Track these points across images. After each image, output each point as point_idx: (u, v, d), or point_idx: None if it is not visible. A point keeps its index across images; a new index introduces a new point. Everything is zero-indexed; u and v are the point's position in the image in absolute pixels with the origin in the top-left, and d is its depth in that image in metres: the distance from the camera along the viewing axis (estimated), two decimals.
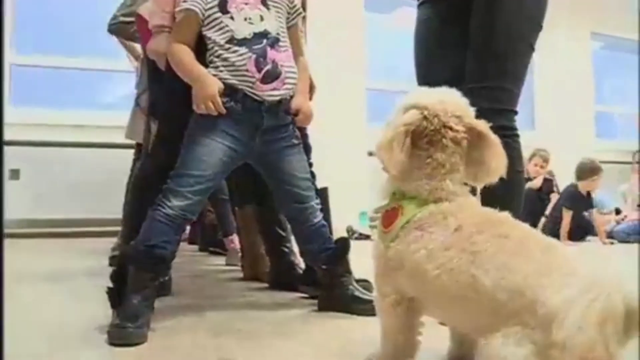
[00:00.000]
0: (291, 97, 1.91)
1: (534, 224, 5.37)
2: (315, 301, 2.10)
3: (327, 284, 2.03)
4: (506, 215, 1.20)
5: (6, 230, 3.72)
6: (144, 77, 3.61)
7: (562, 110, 7.05)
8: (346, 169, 5.31)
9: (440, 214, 1.19)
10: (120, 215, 3.98)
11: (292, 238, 2.49)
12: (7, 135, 4.28)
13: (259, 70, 1.80)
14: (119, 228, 4.36)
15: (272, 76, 1.82)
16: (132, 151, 4.20)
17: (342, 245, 2.04)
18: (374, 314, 1.87)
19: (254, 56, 1.80)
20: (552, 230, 5.03)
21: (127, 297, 1.64)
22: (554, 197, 5.51)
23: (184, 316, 1.92)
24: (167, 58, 1.95)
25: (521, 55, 1.88)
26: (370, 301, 1.93)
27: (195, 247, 4.33)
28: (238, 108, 1.80)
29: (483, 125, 1.23)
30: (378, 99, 6.41)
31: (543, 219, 5.42)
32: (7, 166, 4.69)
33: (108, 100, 5.85)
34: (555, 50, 7.20)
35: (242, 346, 1.57)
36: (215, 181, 1.81)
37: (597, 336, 0.89)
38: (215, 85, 1.77)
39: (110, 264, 3.14)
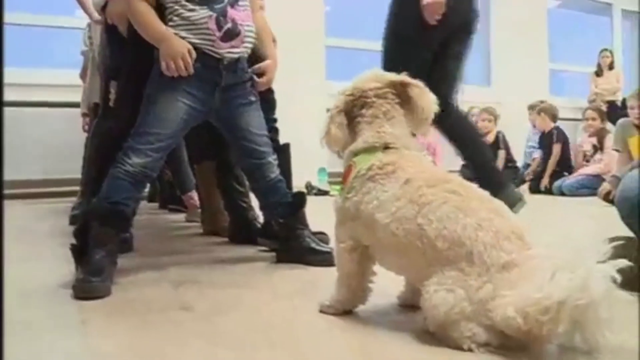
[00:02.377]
0: (249, 55, 1.96)
1: None
2: (274, 254, 2.19)
3: (284, 237, 2.12)
4: (455, 175, 1.32)
5: None
6: (96, 38, 3.58)
7: (517, 68, 7.19)
8: (305, 126, 5.36)
9: (391, 166, 1.31)
10: (78, 174, 4.02)
11: (251, 193, 2.58)
12: None
13: (220, 29, 1.84)
14: (77, 188, 4.39)
15: (231, 34, 1.87)
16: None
17: (298, 200, 2.12)
18: (329, 265, 2.01)
19: (214, 15, 1.84)
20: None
21: (91, 252, 1.70)
22: (501, 153, 5.68)
23: (146, 271, 1.98)
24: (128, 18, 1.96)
25: None
26: (326, 252, 2.06)
27: (155, 204, 4.36)
28: (198, 66, 1.83)
29: (402, 76, 1.38)
30: (337, 57, 6.45)
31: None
32: None
33: (60, 58, 5.72)
34: (512, 7, 7.31)
35: (202, 296, 1.66)
36: (175, 139, 1.86)
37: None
38: (185, 46, 1.80)
39: (71, 223, 3.17)
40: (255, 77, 2.03)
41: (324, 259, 2.04)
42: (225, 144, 2.53)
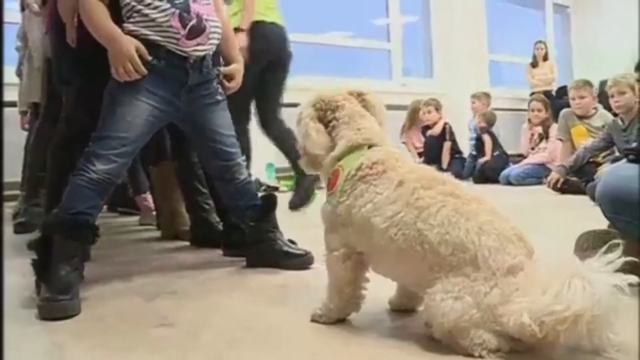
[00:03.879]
0: (214, 52, 1.87)
1: (440, 169, 5.63)
2: (239, 259, 2.12)
3: (255, 240, 2.05)
4: (447, 174, 1.30)
5: None
6: (32, 33, 3.39)
7: (458, 59, 7.30)
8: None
9: (380, 165, 1.28)
10: (14, 178, 3.81)
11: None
12: None
13: (184, 26, 1.74)
14: (12, 192, 4.16)
15: (197, 31, 1.76)
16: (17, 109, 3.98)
17: (268, 202, 2.05)
18: (303, 268, 1.97)
19: (177, 11, 1.72)
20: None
21: (55, 267, 1.57)
22: (446, 145, 5.76)
23: (111, 282, 1.87)
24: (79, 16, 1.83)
25: None
26: (300, 255, 2.00)
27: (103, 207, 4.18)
28: (162, 65, 1.73)
29: (359, 87, 1.45)
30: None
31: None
32: None
33: None
34: (453, 0, 7.41)
35: (179, 308, 1.57)
36: (141, 142, 1.75)
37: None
38: (131, 45, 1.68)
39: (16, 232, 2.99)
40: (224, 81, 1.95)
41: (299, 262, 1.99)
42: (186, 143, 2.44)
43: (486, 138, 5.82)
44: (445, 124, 5.83)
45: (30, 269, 1.88)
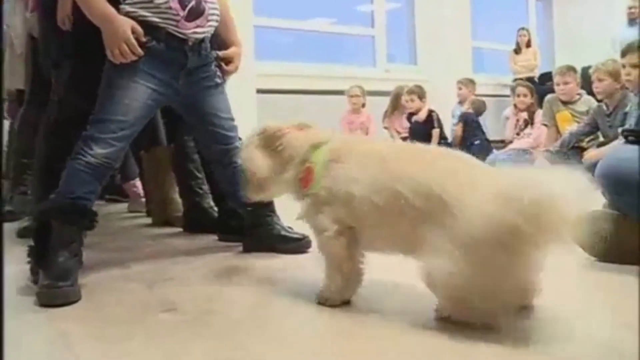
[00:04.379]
0: (212, 34, 1.84)
1: None
2: (235, 244, 2.10)
3: (252, 225, 2.03)
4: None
5: None
6: (14, 18, 3.31)
7: (442, 46, 7.30)
8: (234, 107, 5.21)
9: (346, 146, 1.38)
10: None
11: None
12: None
13: (183, 7, 1.70)
14: None
15: (196, 13, 1.73)
16: None
17: None
18: (300, 252, 1.96)
19: None
20: None
21: (53, 254, 1.54)
22: (435, 132, 5.77)
23: (108, 269, 1.85)
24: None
25: None
26: (297, 239, 2.00)
27: None
28: (161, 47, 1.69)
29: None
30: (266, 36, 6.31)
31: None
32: None
33: None
34: None
35: (181, 294, 1.55)
36: (139, 126, 1.71)
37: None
38: (127, 25, 1.64)
39: (8, 220, 2.93)
40: (222, 64, 1.92)
41: (297, 246, 1.98)
42: (180, 128, 2.41)
43: (459, 125, 5.87)
44: (432, 111, 5.82)
45: (23, 256, 1.85)
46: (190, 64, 1.77)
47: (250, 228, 2.04)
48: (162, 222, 2.68)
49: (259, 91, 5.49)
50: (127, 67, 1.66)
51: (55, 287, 1.48)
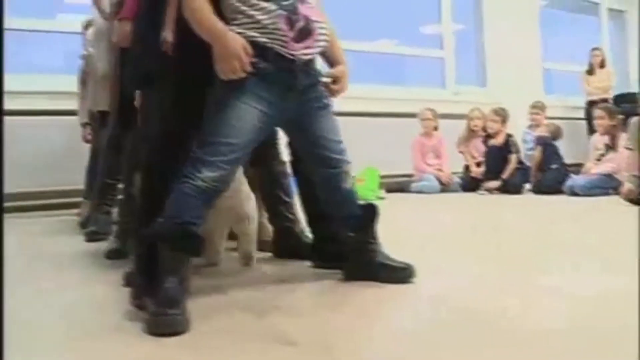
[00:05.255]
0: (321, 54, 1.77)
1: (496, 178, 5.46)
2: (331, 272, 2.01)
3: (354, 252, 1.93)
4: None
5: None
6: (101, 43, 3.34)
7: (512, 68, 7.11)
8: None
9: None
10: (71, 186, 4.05)
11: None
12: None
13: (292, 28, 1.64)
14: (67, 200, 4.24)
15: (305, 33, 1.67)
16: (75, 118, 4.03)
17: (370, 212, 1.93)
18: (404, 282, 1.85)
19: (284, 13, 1.63)
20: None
21: (162, 280, 1.47)
22: (513, 158, 5.57)
23: (207, 295, 1.76)
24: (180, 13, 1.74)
25: None
26: (400, 268, 1.89)
27: None
28: (270, 68, 1.64)
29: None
30: None
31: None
32: None
33: (43, 63, 5.38)
34: (504, 6, 7.25)
35: (294, 325, 1.46)
36: (248, 149, 1.65)
37: None
38: (238, 43, 1.59)
39: (89, 240, 2.94)
40: (329, 84, 1.84)
41: (400, 276, 1.87)
42: (269, 150, 2.35)
43: (538, 150, 5.64)
44: (509, 135, 5.64)
45: (118, 279, 1.81)
46: (299, 85, 1.71)
47: (352, 255, 1.94)
48: None
49: None
50: (237, 87, 1.61)
51: (164, 314, 1.41)
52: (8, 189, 4.25)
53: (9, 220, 4.07)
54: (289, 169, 2.42)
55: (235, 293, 1.82)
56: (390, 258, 1.93)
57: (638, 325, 1.05)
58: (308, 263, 2.20)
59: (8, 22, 4.19)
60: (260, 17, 1.63)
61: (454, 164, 6.01)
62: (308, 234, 2.31)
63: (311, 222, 2.19)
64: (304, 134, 1.82)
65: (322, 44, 1.74)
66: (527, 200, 5.02)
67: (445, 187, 5.75)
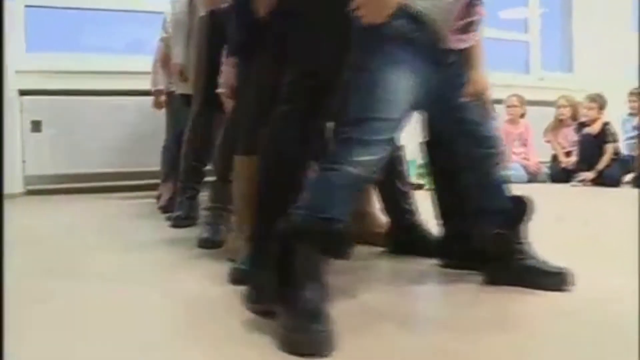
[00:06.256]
0: None
1: (590, 169, 5.06)
2: (463, 272, 1.76)
3: (500, 252, 1.65)
4: None
5: (31, 187, 3.29)
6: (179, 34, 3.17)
7: (601, 53, 6.60)
8: None
9: None
10: (147, 167, 3.98)
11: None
12: (27, 85, 3.80)
13: (462, 18, 1.46)
14: (142, 181, 4.18)
15: (466, 28, 1.49)
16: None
17: (522, 207, 1.64)
18: (559, 289, 1.56)
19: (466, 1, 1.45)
20: None
21: (300, 286, 1.23)
22: (610, 147, 5.14)
23: (336, 299, 1.50)
24: None
25: None
26: (555, 273, 1.61)
27: None
28: (424, 40, 1.40)
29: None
30: None
31: None
32: (29, 117, 4.20)
33: (124, 45, 5.25)
34: None
35: (463, 343, 1.19)
36: (400, 128, 1.41)
37: None
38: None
39: (175, 226, 2.76)
40: None
41: (555, 281, 1.59)
42: None
43: None
44: (606, 123, 5.21)
45: (221, 273, 1.64)
46: (447, 59, 1.49)
47: (497, 256, 1.66)
48: (356, 240, 2.34)
49: None
50: (388, 58, 1.37)
51: (306, 330, 1.15)
52: (81, 169, 4.25)
53: (80, 198, 3.96)
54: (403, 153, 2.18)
55: (367, 297, 1.56)
56: (542, 261, 1.64)
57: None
58: (430, 261, 1.93)
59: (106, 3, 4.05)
60: None
61: (540, 154, 5.63)
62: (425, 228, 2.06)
63: (443, 217, 1.92)
64: (451, 110, 1.58)
65: (473, 40, 1.55)
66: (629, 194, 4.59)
67: (532, 177, 5.36)
